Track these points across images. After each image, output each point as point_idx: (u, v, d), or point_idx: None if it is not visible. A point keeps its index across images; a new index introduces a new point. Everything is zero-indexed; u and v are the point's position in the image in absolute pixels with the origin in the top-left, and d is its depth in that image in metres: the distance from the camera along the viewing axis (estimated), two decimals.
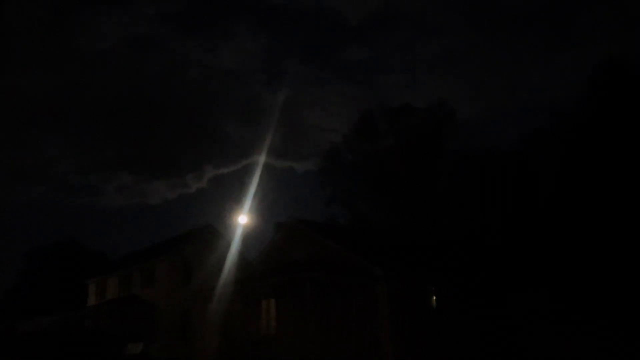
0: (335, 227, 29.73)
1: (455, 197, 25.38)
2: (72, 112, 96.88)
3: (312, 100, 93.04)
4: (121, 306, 29.44)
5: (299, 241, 24.21)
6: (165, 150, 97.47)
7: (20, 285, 52.26)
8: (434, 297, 21.54)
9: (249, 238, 30.09)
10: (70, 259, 50.23)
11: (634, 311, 16.68)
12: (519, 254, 20.79)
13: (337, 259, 21.36)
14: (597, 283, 18.08)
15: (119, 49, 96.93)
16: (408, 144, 31.21)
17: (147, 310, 28.63)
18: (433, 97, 72.83)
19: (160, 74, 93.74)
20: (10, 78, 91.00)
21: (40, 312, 35.72)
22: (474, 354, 18.22)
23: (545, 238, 20.47)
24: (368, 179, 32.11)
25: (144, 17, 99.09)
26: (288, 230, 25.10)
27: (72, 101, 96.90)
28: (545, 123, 25.08)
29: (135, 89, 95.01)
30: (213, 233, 31.73)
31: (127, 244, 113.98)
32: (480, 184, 24.32)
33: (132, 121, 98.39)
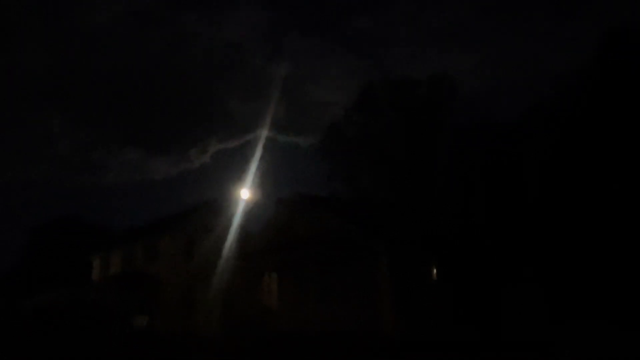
0: (336, 201, 29.76)
1: (456, 170, 25.29)
2: (74, 88, 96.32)
3: (315, 74, 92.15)
4: (125, 281, 29.74)
5: (301, 216, 24.28)
6: (168, 125, 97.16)
7: (24, 262, 52.74)
8: (435, 270, 21.68)
9: (252, 213, 30.14)
10: (74, 235, 50.55)
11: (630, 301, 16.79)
12: (522, 226, 20.80)
13: (339, 233, 21.45)
14: (608, 253, 18.11)
15: (120, 24, 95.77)
16: (409, 118, 30.98)
17: (151, 285, 28.92)
18: (437, 70, 71.87)
19: (162, 48, 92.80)
20: (9, 55, 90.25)
21: (46, 289, 36.11)
22: (475, 324, 18.41)
23: (549, 208, 20.42)
24: (369, 153, 31.98)
25: None
26: (289, 205, 25.16)
27: (74, 78, 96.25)
28: (549, 96, 24.76)
29: (137, 64, 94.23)
30: (216, 208, 31.82)
31: (131, 220, 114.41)
32: (482, 157, 24.21)
33: (134, 97, 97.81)
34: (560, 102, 22.96)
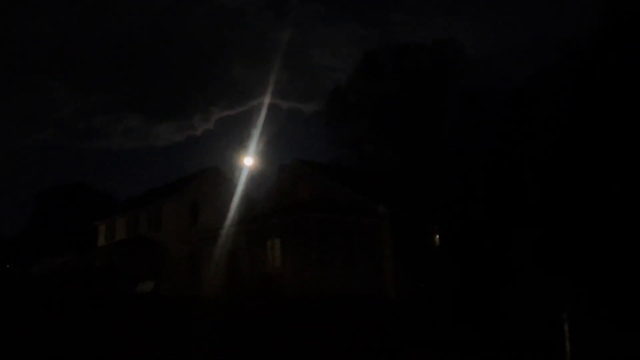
0: (339, 167, 29.78)
1: (460, 136, 25.18)
2: (77, 54, 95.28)
3: (320, 40, 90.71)
4: (131, 246, 30.10)
5: (303, 182, 24.38)
6: (171, 92, 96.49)
7: (31, 227, 53.39)
8: (437, 236, 21.86)
9: (255, 179, 30.25)
10: (79, 201, 50.99)
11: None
12: (523, 192, 20.81)
13: (341, 199, 21.57)
14: (599, 229, 18.16)
15: None
16: (413, 84, 30.66)
17: (155, 250, 29.28)
18: (442, 35, 70.70)
19: (164, 14, 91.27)
20: (11, 20, 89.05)
21: (52, 253, 36.65)
22: (476, 290, 18.65)
23: (550, 176, 20.36)
24: (372, 120, 31.80)
25: None
26: (292, 172, 25.23)
27: (76, 43, 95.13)
28: (555, 61, 24.39)
29: (140, 29, 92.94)
30: (219, 174, 31.94)
31: (135, 186, 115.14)
32: (486, 123, 24.06)
33: (137, 63, 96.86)
34: (565, 69, 22.66)
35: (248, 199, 27.77)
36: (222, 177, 31.67)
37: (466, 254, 20.44)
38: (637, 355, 11.32)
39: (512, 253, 19.26)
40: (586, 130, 19.99)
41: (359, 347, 12.69)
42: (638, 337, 11.97)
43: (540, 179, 20.56)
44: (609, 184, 18.62)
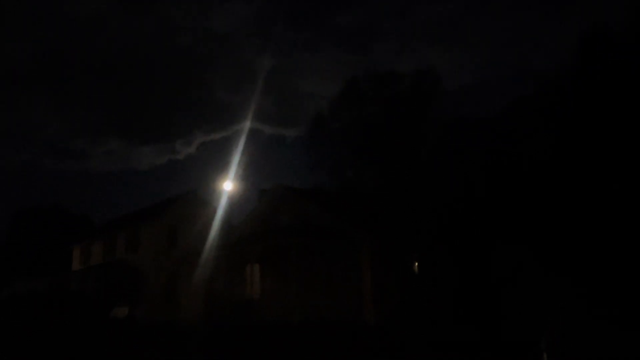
0: (319, 193, 29.83)
1: (440, 162, 25.53)
2: (60, 75, 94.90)
3: (304, 67, 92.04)
4: (106, 270, 29.50)
5: (284, 207, 24.33)
6: (154, 115, 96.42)
7: (4, 249, 52.03)
8: (416, 262, 21.91)
9: (236, 204, 30.08)
10: (55, 224, 50.01)
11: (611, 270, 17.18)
12: (501, 212, 21.19)
13: (321, 224, 21.54)
14: (574, 239, 18.55)
15: (110, 12, 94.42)
16: (393, 111, 31.06)
17: (132, 274, 28.74)
18: (424, 64, 72.52)
19: (151, 38, 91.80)
20: None
21: (25, 277, 35.69)
22: (455, 314, 18.68)
23: (528, 197, 20.80)
24: (353, 145, 32.01)
25: None
26: (272, 196, 25.19)
27: (61, 65, 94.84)
28: (532, 91, 25.08)
29: (126, 53, 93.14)
30: (198, 199, 31.72)
31: (115, 209, 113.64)
32: (464, 150, 24.49)
33: (121, 86, 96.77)
34: (542, 100, 23.28)
35: (228, 224, 27.57)
36: (202, 202, 31.45)
37: (444, 279, 20.51)
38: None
39: (493, 275, 19.54)
40: (562, 157, 20.53)
41: None
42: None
43: (521, 201, 20.92)
44: (586, 215, 19.01)
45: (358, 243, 20.15)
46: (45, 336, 15.40)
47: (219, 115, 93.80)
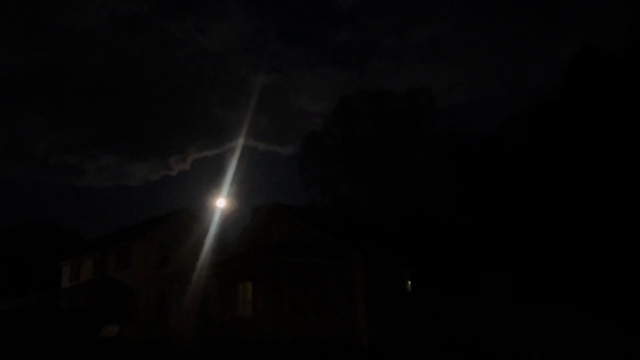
0: (312, 210, 29.75)
1: (433, 180, 25.63)
2: (55, 90, 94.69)
3: (300, 84, 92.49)
4: (97, 288, 29.09)
5: (277, 225, 24.21)
6: (148, 131, 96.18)
7: None
8: (409, 280, 21.80)
9: (229, 221, 29.92)
10: (45, 240, 49.40)
11: (600, 287, 17.28)
12: (491, 232, 21.31)
13: (314, 242, 21.42)
14: (562, 260, 18.77)
15: (106, 27, 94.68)
16: (388, 129, 31.22)
17: (123, 292, 28.36)
18: (418, 82, 73.04)
19: (146, 53, 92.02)
20: None
21: (13, 293, 35.13)
22: (448, 332, 18.58)
23: (517, 218, 20.97)
24: (347, 163, 32.10)
25: None
26: (265, 214, 25.06)
27: (55, 79, 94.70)
28: (524, 110, 25.33)
29: (120, 68, 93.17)
30: (191, 216, 31.47)
31: (108, 226, 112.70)
32: (457, 168, 24.61)
33: (115, 101, 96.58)
34: (534, 118, 23.51)
35: (220, 241, 27.37)
36: (194, 219, 31.21)
37: (436, 297, 20.47)
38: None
39: (481, 292, 19.66)
40: (553, 175, 20.73)
41: None
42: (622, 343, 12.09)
43: (514, 219, 21.04)
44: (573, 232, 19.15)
45: (351, 261, 20.03)
46: (33, 355, 15.11)
47: (214, 132, 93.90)
